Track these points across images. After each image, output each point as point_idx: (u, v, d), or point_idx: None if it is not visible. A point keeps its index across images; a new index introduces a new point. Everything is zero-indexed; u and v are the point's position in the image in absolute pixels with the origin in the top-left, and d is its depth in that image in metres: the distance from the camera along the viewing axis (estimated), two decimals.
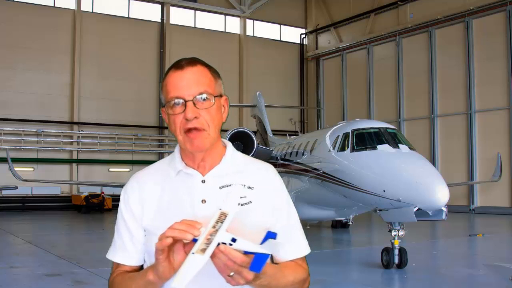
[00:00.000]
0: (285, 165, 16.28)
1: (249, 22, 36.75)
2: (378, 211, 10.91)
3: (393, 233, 10.50)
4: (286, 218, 2.03)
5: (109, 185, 25.41)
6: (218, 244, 1.61)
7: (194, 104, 1.88)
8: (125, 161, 31.67)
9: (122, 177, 28.85)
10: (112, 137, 31.42)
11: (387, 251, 10.62)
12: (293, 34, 38.69)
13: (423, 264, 11.73)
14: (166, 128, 31.50)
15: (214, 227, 1.66)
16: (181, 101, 1.89)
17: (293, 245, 2.03)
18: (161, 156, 31.75)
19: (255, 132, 22.21)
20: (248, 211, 1.90)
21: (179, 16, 34.13)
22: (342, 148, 11.80)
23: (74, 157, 30.41)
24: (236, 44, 36.03)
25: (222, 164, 1.99)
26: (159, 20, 33.44)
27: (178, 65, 1.95)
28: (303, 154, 14.74)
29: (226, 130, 20.02)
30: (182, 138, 1.91)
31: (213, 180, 1.96)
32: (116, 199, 26.21)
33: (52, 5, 30.33)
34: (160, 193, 1.99)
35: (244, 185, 1.96)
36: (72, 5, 30.67)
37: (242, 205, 1.88)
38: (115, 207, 25.53)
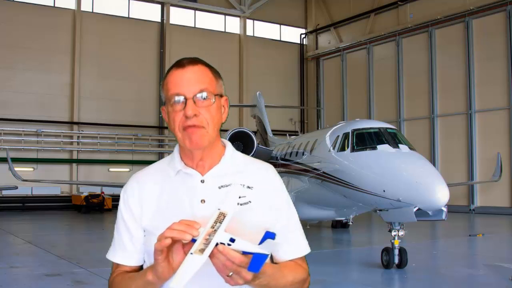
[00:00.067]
0: (285, 165, 16.28)
1: (249, 22, 36.76)
2: (378, 211, 10.91)
3: (393, 233, 10.50)
4: (286, 218, 2.03)
5: (109, 185, 25.42)
6: (217, 244, 1.61)
7: (194, 102, 1.89)
8: (125, 161, 31.67)
9: (122, 177, 28.85)
10: (112, 137, 31.42)
11: (387, 251, 10.62)
12: (293, 34, 38.70)
13: (423, 264, 11.73)
14: (166, 128, 31.52)
15: (212, 227, 1.66)
16: (182, 98, 1.89)
17: (292, 245, 2.02)
18: (161, 156, 31.75)
19: (255, 132, 22.21)
20: (247, 211, 1.90)
21: (179, 16, 34.13)
22: (342, 148, 11.80)
23: (74, 157, 30.41)
24: (236, 44, 36.03)
25: (222, 164, 1.99)
26: (159, 20, 33.44)
27: (180, 63, 1.96)
28: (303, 154, 14.74)
29: (226, 130, 20.02)
30: (181, 135, 1.92)
31: (212, 180, 1.96)
32: (116, 199, 26.20)
33: (52, 5, 30.33)
34: (160, 193, 1.99)
35: (244, 185, 1.96)
36: (72, 5, 30.68)
37: (241, 204, 1.88)
38: (115, 207, 25.53)
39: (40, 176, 27.11)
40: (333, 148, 12.18)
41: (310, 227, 17.62)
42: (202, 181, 1.96)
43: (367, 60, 33.68)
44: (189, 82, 1.91)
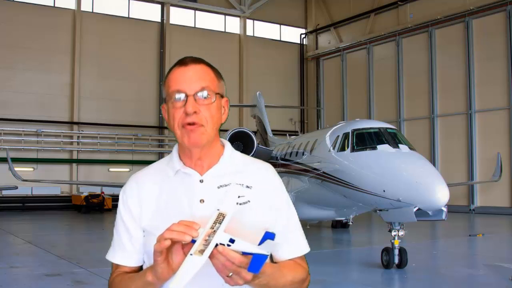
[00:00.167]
0: (285, 165, 16.28)
1: (249, 22, 36.76)
2: (378, 211, 10.90)
3: (393, 233, 10.50)
4: (286, 218, 2.03)
5: (109, 185, 25.40)
6: (216, 245, 1.61)
7: (195, 100, 1.90)
8: (125, 161, 31.67)
9: (122, 177, 28.85)
10: (112, 137, 31.42)
11: (387, 251, 10.62)
12: (293, 34, 38.70)
13: (423, 264, 11.73)
14: (166, 128, 31.52)
15: (212, 228, 1.66)
16: (183, 95, 1.90)
17: (292, 244, 2.02)
18: (161, 156, 31.73)
19: (255, 132, 22.21)
20: (246, 211, 1.90)
21: (179, 16, 34.13)
22: (342, 148, 11.80)
23: (74, 157, 30.42)
24: (236, 44, 36.03)
25: (221, 163, 1.99)
26: (159, 20, 33.44)
27: (183, 61, 1.98)
28: (303, 154, 14.74)
29: (226, 130, 20.03)
30: (180, 132, 1.92)
31: (211, 180, 1.96)
32: (116, 199, 26.04)
33: (52, 5, 30.33)
34: (159, 193, 1.99)
35: (243, 185, 1.96)
36: (72, 5, 30.68)
37: (240, 204, 1.88)
38: (115, 207, 25.50)
39: (40, 176, 27.11)
40: (333, 148, 12.18)
41: (310, 227, 17.62)
42: (201, 181, 1.96)
43: (367, 60, 33.69)
44: (191, 80, 1.92)
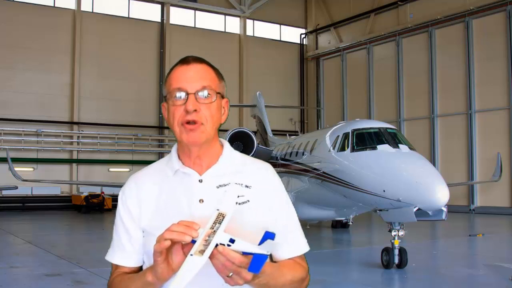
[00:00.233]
0: (285, 165, 16.28)
1: (249, 22, 36.75)
2: (378, 211, 10.90)
3: (393, 233, 10.49)
4: (286, 218, 2.03)
5: (109, 185, 25.40)
6: (217, 245, 1.61)
7: (196, 98, 1.91)
8: (125, 161, 31.67)
9: (122, 177, 28.84)
10: (112, 137, 31.42)
11: (387, 251, 10.62)
12: (293, 34, 38.69)
13: (423, 264, 11.72)
14: (166, 128, 31.58)
15: (212, 228, 1.66)
16: (183, 94, 1.91)
17: (292, 244, 2.02)
18: (161, 156, 31.71)
19: (255, 132, 22.21)
20: (246, 210, 1.90)
21: (179, 16, 34.13)
22: (342, 148, 11.80)
23: (74, 157, 30.42)
24: (236, 44, 36.03)
25: (220, 163, 2.00)
26: (159, 20, 33.44)
27: (185, 60, 1.99)
28: (303, 154, 14.73)
29: (226, 130, 20.03)
30: (179, 130, 1.93)
31: (210, 180, 1.96)
32: (116, 199, 26.03)
33: (52, 5, 30.33)
34: (158, 193, 1.99)
35: (242, 184, 1.96)
36: (72, 5, 30.68)
37: (239, 204, 1.88)
38: (115, 207, 25.32)
39: (40, 176, 27.10)
40: (333, 148, 12.18)
41: (310, 227, 17.61)
42: (200, 181, 1.96)
43: (367, 60, 33.68)
44: (192, 79, 1.93)
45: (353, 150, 11.39)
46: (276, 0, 36.91)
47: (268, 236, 1.67)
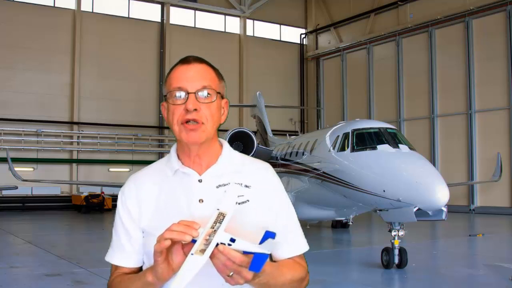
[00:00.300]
0: (285, 165, 16.28)
1: (249, 22, 36.75)
2: (378, 211, 10.90)
3: (393, 233, 10.49)
4: (285, 218, 2.03)
5: (109, 185, 25.39)
6: (217, 244, 1.61)
7: (196, 98, 1.91)
8: (125, 161, 31.67)
9: (122, 177, 28.83)
10: (112, 137, 31.42)
11: (387, 251, 10.62)
12: (293, 34, 38.69)
13: (423, 264, 11.72)
14: (166, 128, 31.57)
15: (212, 227, 1.66)
16: (183, 93, 1.92)
17: (291, 243, 2.03)
18: (161, 156, 31.70)
19: (255, 132, 22.21)
20: (245, 210, 1.90)
21: (179, 16, 34.13)
22: (342, 148, 11.80)
23: (74, 157, 30.42)
24: (236, 44, 36.03)
25: (219, 163, 2.00)
26: (159, 20, 33.44)
27: (186, 60, 2.00)
28: (303, 154, 14.73)
29: (226, 130, 20.04)
30: (178, 129, 1.93)
31: (210, 180, 1.96)
32: (116, 199, 26.07)
33: (52, 5, 30.33)
34: (158, 193, 1.99)
35: (241, 184, 1.96)
36: (72, 5, 30.68)
37: (239, 203, 1.88)
38: (115, 207, 25.38)
39: (40, 176, 27.10)
40: (333, 148, 12.18)
41: (310, 227, 17.62)
42: (200, 181, 1.96)
43: (367, 60, 33.69)
44: (192, 78, 1.93)
45: (353, 150, 11.39)
46: (276, 0, 36.92)
47: (269, 235, 1.67)
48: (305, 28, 38.92)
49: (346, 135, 11.83)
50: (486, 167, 25.59)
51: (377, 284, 9.79)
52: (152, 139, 32.78)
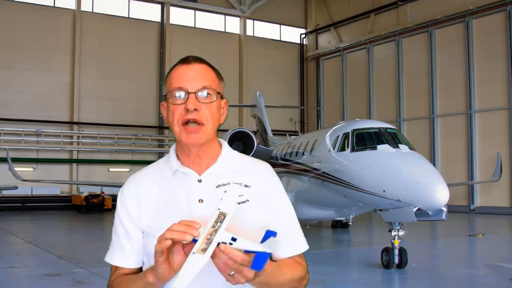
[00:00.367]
0: (285, 165, 16.28)
1: (249, 22, 36.76)
2: (378, 211, 10.90)
3: (393, 233, 10.49)
4: (285, 217, 2.04)
5: (109, 185, 25.39)
6: (218, 243, 1.61)
7: (196, 98, 1.91)
8: (125, 161, 31.68)
9: (122, 177, 28.82)
10: (112, 137, 31.43)
11: (387, 251, 10.62)
12: (293, 34, 38.70)
13: (423, 264, 11.72)
14: (166, 128, 31.55)
15: (213, 227, 1.66)
16: (183, 93, 1.92)
17: (291, 243, 2.03)
18: (161, 156, 31.65)
19: (255, 132, 22.21)
20: (245, 210, 1.90)
21: (179, 16, 34.14)
22: (342, 148, 11.80)
23: (74, 157, 30.42)
24: (236, 44, 36.03)
25: (219, 163, 2.00)
26: (159, 20, 33.44)
27: (186, 60, 2.00)
28: (303, 154, 14.73)
29: (226, 130, 20.03)
30: (178, 129, 1.93)
31: (209, 180, 1.96)
32: (116, 199, 26.14)
33: (52, 5, 30.33)
34: (157, 194, 1.99)
35: (241, 184, 1.96)
36: (72, 5, 30.68)
37: (239, 203, 1.88)
38: (115, 207, 25.43)
39: (40, 176, 27.10)
40: (333, 148, 12.18)
41: (310, 227, 17.62)
42: (200, 181, 1.96)
43: (367, 60, 33.69)
44: (193, 78, 1.93)
45: (353, 150, 11.39)
46: (276, 0, 36.92)
47: (270, 234, 1.67)
48: (305, 28, 38.93)
49: (346, 135, 11.83)
50: (486, 167, 25.60)
51: (377, 284, 9.79)
52: (152, 139, 32.78)
